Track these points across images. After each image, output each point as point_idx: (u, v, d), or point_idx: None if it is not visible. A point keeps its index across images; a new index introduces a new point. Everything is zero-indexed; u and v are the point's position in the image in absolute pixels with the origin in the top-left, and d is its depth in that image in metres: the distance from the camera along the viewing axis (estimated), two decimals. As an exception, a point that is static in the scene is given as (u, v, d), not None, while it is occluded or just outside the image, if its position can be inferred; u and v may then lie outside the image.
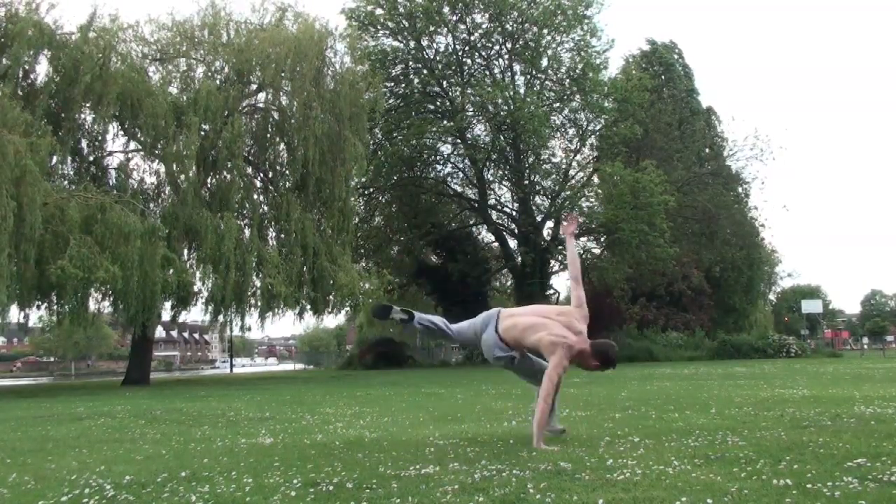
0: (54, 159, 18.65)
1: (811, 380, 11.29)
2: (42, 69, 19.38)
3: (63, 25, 19.12)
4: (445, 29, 28.14)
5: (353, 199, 24.90)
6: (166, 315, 21.71)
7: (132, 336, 23.13)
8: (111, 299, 18.14)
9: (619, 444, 4.39)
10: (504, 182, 31.66)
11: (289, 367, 57.57)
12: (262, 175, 23.32)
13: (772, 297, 52.04)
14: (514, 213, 31.29)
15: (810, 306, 39.74)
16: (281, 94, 22.26)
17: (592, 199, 30.28)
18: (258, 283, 20.28)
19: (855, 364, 19.09)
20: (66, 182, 19.42)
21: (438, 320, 5.01)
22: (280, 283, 19.26)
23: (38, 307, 19.19)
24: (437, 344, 43.19)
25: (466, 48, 28.92)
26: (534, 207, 30.33)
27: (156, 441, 5.88)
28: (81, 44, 18.39)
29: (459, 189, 32.39)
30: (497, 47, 28.99)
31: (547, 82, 29.36)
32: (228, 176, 20.78)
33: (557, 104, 29.60)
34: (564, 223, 4.96)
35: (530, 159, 29.30)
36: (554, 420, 4.88)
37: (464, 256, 31.98)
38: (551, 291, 32.85)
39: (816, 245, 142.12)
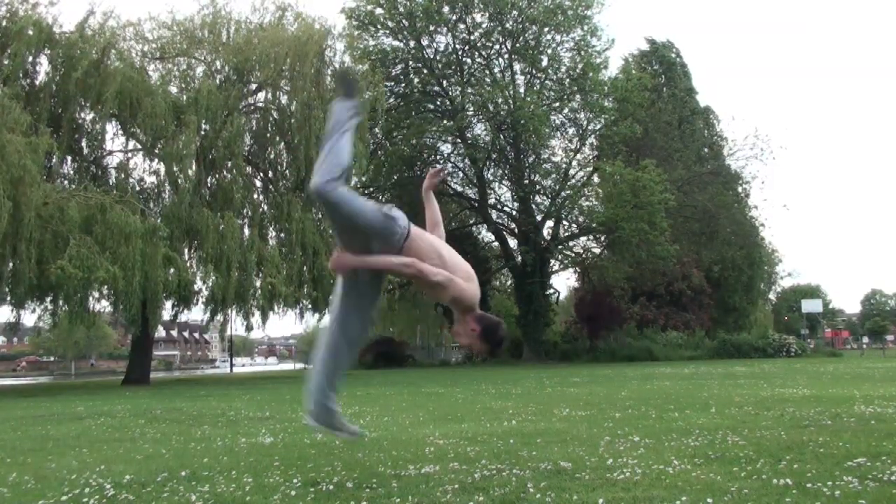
0: (54, 159, 18.63)
1: (811, 379, 11.29)
2: (42, 68, 19.39)
3: (63, 24, 19.13)
4: (445, 28, 28.13)
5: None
6: (167, 314, 21.73)
7: (132, 335, 23.12)
8: (112, 299, 18.13)
9: (619, 444, 4.39)
10: (504, 182, 31.66)
11: (289, 366, 57.61)
12: (262, 175, 23.30)
13: (772, 296, 51.99)
14: (514, 213, 31.27)
15: (810, 306, 39.72)
16: (281, 93, 22.23)
17: (592, 199, 30.27)
18: (259, 283, 20.29)
19: (855, 364, 19.08)
20: (66, 182, 19.40)
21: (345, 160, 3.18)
22: (281, 282, 19.27)
23: (38, 307, 19.20)
24: (438, 344, 43.19)
25: (466, 47, 28.91)
26: (534, 207, 30.31)
27: (156, 441, 5.87)
28: (77, 41, 18.34)
29: (459, 189, 32.37)
30: (497, 47, 28.97)
31: (547, 82, 29.34)
32: (228, 175, 20.77)
33: (557, 104, 29.58)
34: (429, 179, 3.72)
35: (530, 159, 29.29)
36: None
37: (464, 256, 31.86)
38: (551, 291, 32.83)
39: (816, 245, 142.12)
